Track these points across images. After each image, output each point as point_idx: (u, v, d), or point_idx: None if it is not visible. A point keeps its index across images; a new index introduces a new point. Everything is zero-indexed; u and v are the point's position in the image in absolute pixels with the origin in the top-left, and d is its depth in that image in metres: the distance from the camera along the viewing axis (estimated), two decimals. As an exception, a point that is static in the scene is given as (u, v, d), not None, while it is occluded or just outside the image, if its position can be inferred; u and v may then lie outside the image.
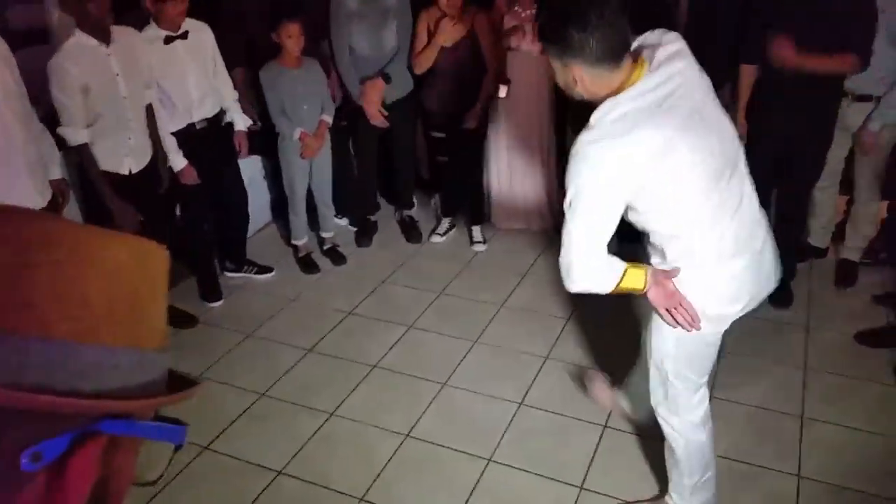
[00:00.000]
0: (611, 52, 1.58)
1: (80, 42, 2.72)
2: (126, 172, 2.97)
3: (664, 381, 1.99)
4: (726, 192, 1.73)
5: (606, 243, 1.72)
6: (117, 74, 2.83)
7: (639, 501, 2.32)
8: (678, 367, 1.95)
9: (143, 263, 0.56)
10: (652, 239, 1.84)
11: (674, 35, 1.72)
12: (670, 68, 1.64)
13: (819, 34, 2.82)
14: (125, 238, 0.56)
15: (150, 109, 3.06)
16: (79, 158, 2.83)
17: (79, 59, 2.71)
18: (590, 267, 1.72)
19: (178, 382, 0.65)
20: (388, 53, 3.71)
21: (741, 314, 1.89)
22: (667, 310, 1.81)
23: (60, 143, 2.83)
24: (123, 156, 2.94)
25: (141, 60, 2.98)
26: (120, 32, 2.85)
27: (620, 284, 1.76)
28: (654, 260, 1.87)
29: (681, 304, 1.79)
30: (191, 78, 3.23)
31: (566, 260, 1.72)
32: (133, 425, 0.58)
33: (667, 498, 2.21)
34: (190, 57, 3.21)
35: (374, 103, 3.70)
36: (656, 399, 2.06)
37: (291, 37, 3.40)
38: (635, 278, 1.77)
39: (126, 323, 0.54)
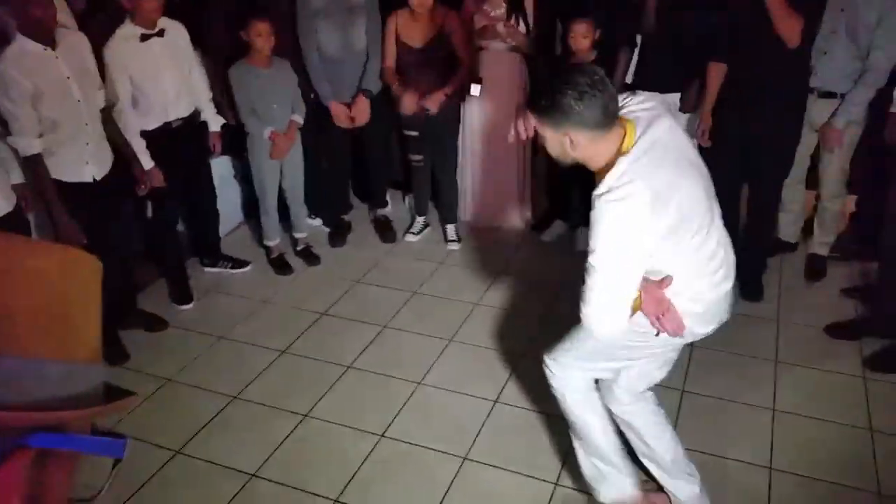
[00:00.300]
0: (604, 114, 1.69)
1: (23, 47, 2.60)
2: (90, 180, 2.90)
3: (575, 344, 2.08)
4: (714, 228, 1.85)
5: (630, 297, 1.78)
6: (68, 77, 2.73)
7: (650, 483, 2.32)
8: (593, 353, 2.05)
9: (72, 273, 0.54)
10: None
11: (647, 94, 1.88)
12: (660, 125, 1.77)
13: None
14: (52, 248, 0.54)
15: (105, 112, 2.98)
16: (32, 167, 2.71)
17: (24, 64, 2.59)
18: (611, 317, 1.79)
19: (116, 395, 0.63)
20: (358, 54, 3.68)
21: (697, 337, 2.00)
22: (656, 317, 1.84)
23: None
24: (84, 163, 2.86)
25: (88, 61, 2.88)
26: (63, 35, 2.75)
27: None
28: None
29: (668, 311, 1.84)
30: (167, 76, 3.19)
31: (588, 312, 1.80)
32: (66, 439, 0.56)
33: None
34: (166, 55, 3.16)
35: (363, 119, 3.76)
36: (559, 348, 2.14)
37: (261, 35, 3.36)
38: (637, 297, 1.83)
39: (54, 334, 0.52)
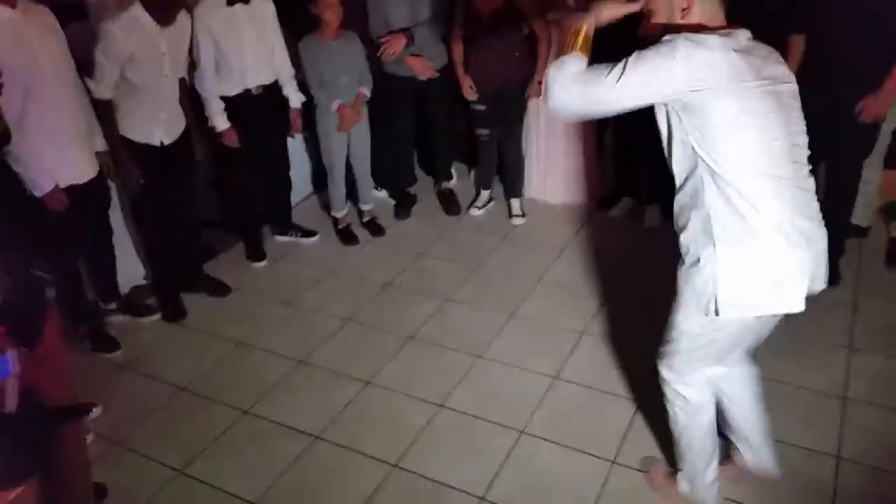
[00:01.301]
0: None
1: (135, 16, 2.79)
2: (158, 143, 3.04)
3: (676, 345, 1.95)
4: (795, 175, 1.72)
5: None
6: (164, 54, 2.89)
7: (657, 467, 2.31)
8: (692, 347, 1.92)
9: None
10: (706, 199, 1.72)
11: None
12: (769, 54, 1.70)
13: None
14: None
15: (182, 82, 3.12)
16: (101, 110, 2.89)
17: (130, 31, 2.77)
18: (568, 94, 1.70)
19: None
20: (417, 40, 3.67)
21: (777, 312, 1.82)
22: None
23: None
24: (155, 127, 3.01)
25: (187, 43, 3.06)
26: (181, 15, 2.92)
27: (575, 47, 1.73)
28: (692, 244, 1.79)
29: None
30: (248, 43, 3.29)
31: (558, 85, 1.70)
32: None
33: (678, 475, 2.18)
34: (249, 24, 3.27)
35: (392, 54, 3.65)
36: (662, 355, 2.02)
37: (329, 7, 3.40)
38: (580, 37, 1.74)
39: None
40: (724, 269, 1.72)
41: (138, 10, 2.79)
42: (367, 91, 3.67)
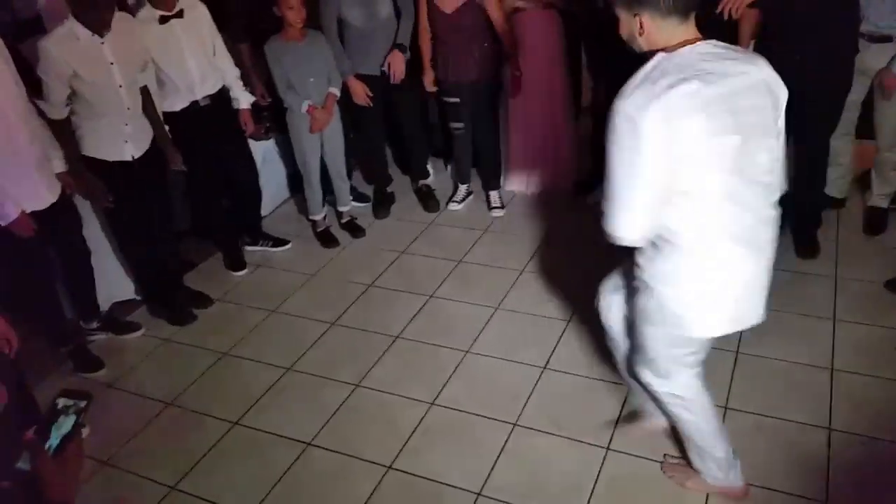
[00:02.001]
0: (683, 4, 1.61)
1: (72, 30, 2.67)
2: (129, 158, 2.97)
3: (646, 348, 1.95)
4: (746, 191, 1.67)
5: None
6: (112, 63, 2.78)
7: (678, 459, 2.30)
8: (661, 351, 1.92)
9: None
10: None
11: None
12: (740, 58, 1.65)
13: None
14: None
15: (144, 91, 3.03)
16: (58, 129, 2.82)
17: (68, 47, 2.66)
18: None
19: None
20: (384, 23, 3.63)
21: (717, 333, 1.84)
22: None
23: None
24: (123, 142, 2.93)
25: (136, 45, 2.93)
26: (116, 20, 2.78)
27: None
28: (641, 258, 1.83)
29: None
30: (190, 57, 3.19)
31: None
32: None
33: (700, 469, 2.15)
34: (187, 36, 3.16)
35: (400, 73, 3.69)
36: (639, 362, 2.01)
37: (292, 8, 3.35)
38: None
39: None
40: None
41: (72, 24, 2.67)
42: (336, 91, 3.64)
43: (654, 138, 1.55)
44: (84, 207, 3.06)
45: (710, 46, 1.65)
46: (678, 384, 1.97)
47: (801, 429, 2.39)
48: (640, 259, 1.84)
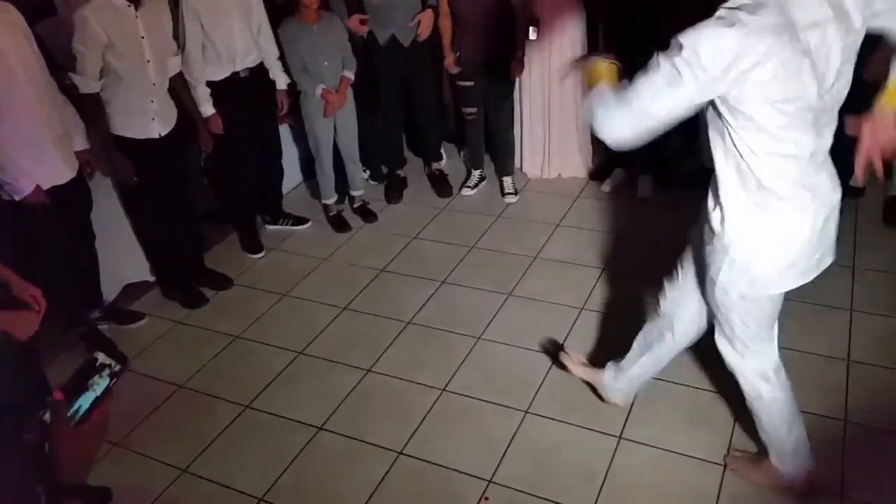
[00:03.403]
0: None
1: (108, 0, 2.72)
2: (156, 136, 2.99)
3: (731, 327, 1.94)
4: (816, 139, 1.62)
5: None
6: (143, 37, 2.83)
7: (742, 452, 2.27)
8: (744, 318, 1.90)
9: None
10: (724, 158, 1.69)
11: None
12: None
13: None
14: None
15: (177, 77, 3.08)
16: (89, 105, 2.84)
17: (105, 15, 2.71)
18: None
19: None
20: (400, 1, 3.61)
21: (791, 283, 1.81)
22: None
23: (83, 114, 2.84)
24: (150, 119, 2.95)
25: (167, 27, 2.99)
26: None
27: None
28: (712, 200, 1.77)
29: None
30: (236, 27, 3.25)
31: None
32: None
33: (770, 457, 2.13)
34: (236, 6, 3.23)
35: (427, 30, 3.69)
36: (723, 345, 2.01)
37: (307, -11, 3.33)
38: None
39: None
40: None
41: None
42: (350, 75, 3.61)
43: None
44: (96, 190, 3.05)
45: None
46: (760, 360, 1.98)
47: (818, 420, 2.36)
48: (714, 223, 1.78)
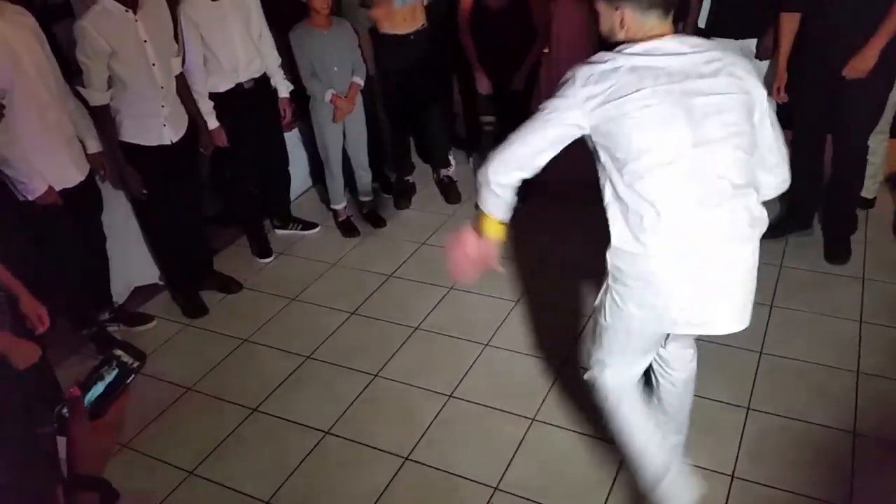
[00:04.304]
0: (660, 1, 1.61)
1: (105, 7, 2.70)
2: (168, 143, 2.99)
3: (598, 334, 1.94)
4: (704, 178, 1.66)
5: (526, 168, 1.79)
6: (145, 41, 2.81)
7: None
8: (612, 341, 1.90)
9: None
10: (607, 197, 1.82)
11: (721, 43, 1.81)
12: (712, 54, 1.64)
13: None
14: None
15: (181, 79, 3.06)
16: (100, 117, 2.84)
17: (104, 24, 2.69)
18: (498, 173, 1.81)
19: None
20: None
21: (673, 329, 1.79)
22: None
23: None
24: (161, 126, 2.96)
25: (168, 28, 2.96)
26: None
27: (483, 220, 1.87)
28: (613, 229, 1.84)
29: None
30: (237, 37, 3.24)
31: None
32: None
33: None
34: (236, 16, 3.21)
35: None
36: (587, 347, 2.01)
37: (319, -6, 3.34)
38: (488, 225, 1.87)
39: None
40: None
41: (106, 2, 2.70)
42: (360, 80, 3.62)
43: None
44: (107, 193, 3.07)
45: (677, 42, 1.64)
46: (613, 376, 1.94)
47: (826, 431, 2.35)
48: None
